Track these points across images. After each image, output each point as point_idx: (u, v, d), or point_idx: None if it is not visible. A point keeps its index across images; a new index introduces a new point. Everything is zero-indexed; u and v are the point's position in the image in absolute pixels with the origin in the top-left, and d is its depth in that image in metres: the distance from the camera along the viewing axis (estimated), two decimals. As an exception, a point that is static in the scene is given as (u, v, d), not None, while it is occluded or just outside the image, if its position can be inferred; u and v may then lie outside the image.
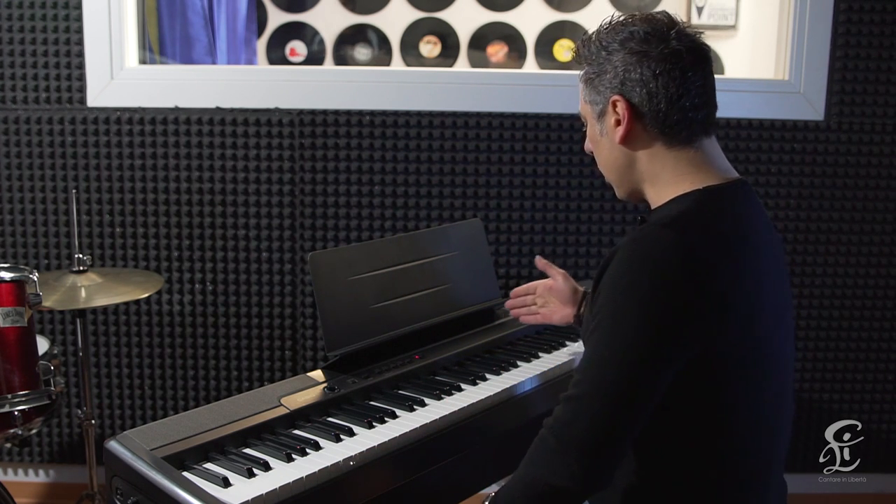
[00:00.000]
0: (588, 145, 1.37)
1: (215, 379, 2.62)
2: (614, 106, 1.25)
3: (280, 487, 1.27)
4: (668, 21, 1.25)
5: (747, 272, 1.19)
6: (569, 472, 1.12)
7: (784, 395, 1.28)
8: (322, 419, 1.52)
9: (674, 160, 1.25)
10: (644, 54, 1.21)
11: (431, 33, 3.43)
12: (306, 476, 1.31)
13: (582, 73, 1.31)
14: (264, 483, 1.28)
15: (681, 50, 1.21)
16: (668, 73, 1.21)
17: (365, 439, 1.44)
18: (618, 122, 1.26)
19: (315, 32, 3.44)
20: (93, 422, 2.21)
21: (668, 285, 1.12)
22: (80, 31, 2.48)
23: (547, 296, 1.82)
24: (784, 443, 1.31)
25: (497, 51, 3.44)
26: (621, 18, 1.27)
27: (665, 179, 1.26)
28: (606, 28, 1.27)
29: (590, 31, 1.31)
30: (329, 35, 3.43)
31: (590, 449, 1.12)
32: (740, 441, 1.22)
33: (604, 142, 1.30)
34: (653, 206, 1.29)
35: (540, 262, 1.82)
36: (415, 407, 1.57)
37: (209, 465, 1.34)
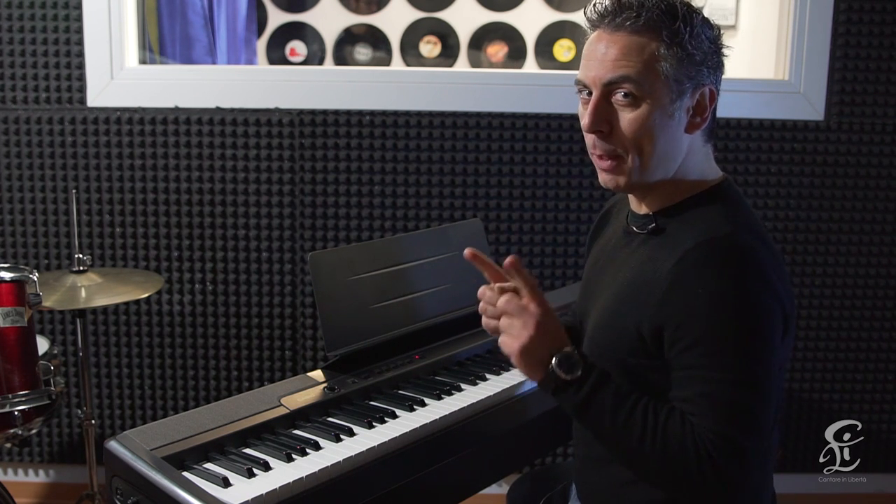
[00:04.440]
0: (593, 120, 1.22)
1: (215, 379, 2.62)
2: (704, 96, 1.23)
3: (280, 487, 1.27)
4: None
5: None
6: (729, 479, 1.11)
7: None
8: (322, 419, 1.52)
9: (704, 155, 1.29)
10: (722, 53, 1.26)
11: (431, 33, 3.43)
12: (306, 476, 1.31)
13: (676, 48, 1.19)
14: (264, 483, 1.28)
15: None
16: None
17: (365, 439, 1.44)
18: (696, 111, 1.23)
19: (315, 32, 3.44)
20: (93, 422, 2.21)
21: (762, 289, 1.15)
22: (80, 31, 2.48)
23: None
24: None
25: (497, 51, 3.44)
26: (699, 11, 1.24)
27: (695, 173, 1.28)
28: (699, 17, 1.22)
29: (678, 6, 1.21)
30: (329, 35, 3.43)
31: (755, 453, 1.12)
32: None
33: (669, 123, 1.22)
34: (656, 204, 1.28)
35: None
36: (415, 407, 1.57)
37: (209, 465, 1.34)
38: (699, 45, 1.20)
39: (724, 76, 1.29)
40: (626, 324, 1.23)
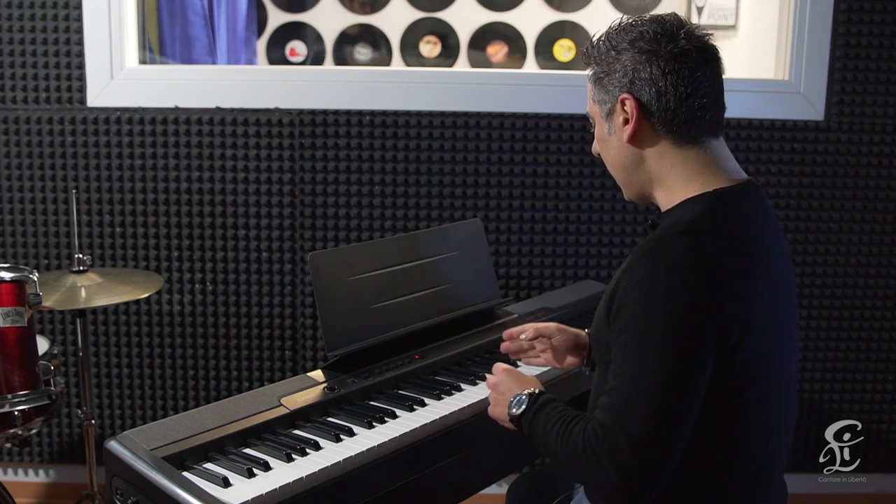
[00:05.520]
0: (595, 147, 1.38)
1: (215, 379, 2.62)
2: (622, 104, 1.26)
3: (280, 487, 1.27)
4: (678, 21, 1.26)
5: (760, 277, 1.19)
6: (622, 489, 1.11)
7: (789, 401, 1.29)
8: (322, 419, 1.52)
9: (682, 160, 1.27)
10: (653, 53, 1.23)
11: (431, 33, 3.43)
12: (306, 476, 1.31)
13: (590, 73, 1.32)
14: (264, 483, 1.28)
15: (690, 49, 1.23)
16: (678, 72, 1.22)
17: (365, 439, 1.44)
18: (626, 121, 1.27)
19: (315, 32, 3.44)
20: (93, 422, 2.21)
21: (689, 293, 1.12)
22: (80, 31, 2.48)
23: (546, 344, 1.64)
24: (787, 446, 1.32)
25: (497, 51, 3.44)
26: (630, 20, 1.28)
27: (674, 180, 1.27)
28: (616, 28, 1.28)
29: (598, 33, 1.32)
30: (329, 35, 3.44)
31: (648, 462, 1.10)
32: (747, 444, 1.23)
33: (612, 141, 1.31)
34: (662, 209, 1.30)
35: (528, 333, 1.63)
36: (415, 407, 1.57)
37: (209, 465, 1.34)
38: (605, 59, 1.28)
39: (716, 74, 1.26)
40: (603, 315, 1.27)
